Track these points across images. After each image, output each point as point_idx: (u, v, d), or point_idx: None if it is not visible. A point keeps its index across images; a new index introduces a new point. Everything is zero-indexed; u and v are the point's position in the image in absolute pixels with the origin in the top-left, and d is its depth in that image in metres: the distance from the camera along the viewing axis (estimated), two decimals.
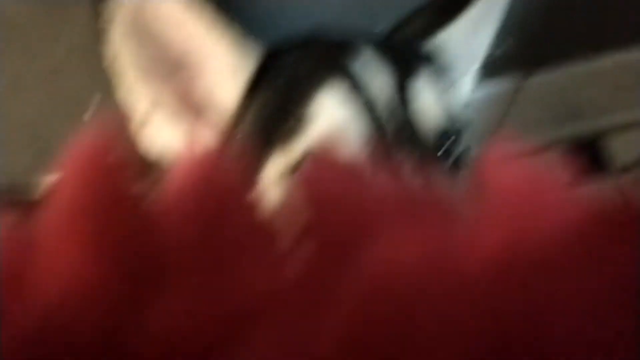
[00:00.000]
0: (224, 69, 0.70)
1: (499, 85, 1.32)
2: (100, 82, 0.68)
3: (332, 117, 0.65)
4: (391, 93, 0.68)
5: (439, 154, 0.68)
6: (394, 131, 0.66)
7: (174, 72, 0.69)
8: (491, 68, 0.88)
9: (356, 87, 0.66)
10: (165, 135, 0.71)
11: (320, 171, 0.36)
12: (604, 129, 1.63)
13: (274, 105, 0.68)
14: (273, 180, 0.67)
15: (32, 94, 0.98)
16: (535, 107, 1.45)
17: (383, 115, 0.66)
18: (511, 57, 0.98)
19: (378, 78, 0.68)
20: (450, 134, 0.70)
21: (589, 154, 1.64)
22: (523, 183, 0.33)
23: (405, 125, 0.66)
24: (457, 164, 0.71)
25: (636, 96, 1.56)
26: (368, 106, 0.66)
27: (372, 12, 0.83)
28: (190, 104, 0.71)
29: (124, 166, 0.32)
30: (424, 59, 0.72)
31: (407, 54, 0.72)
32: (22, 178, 0.92)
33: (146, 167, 0.80)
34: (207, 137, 0.71)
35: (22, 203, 0.82)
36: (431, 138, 0.68)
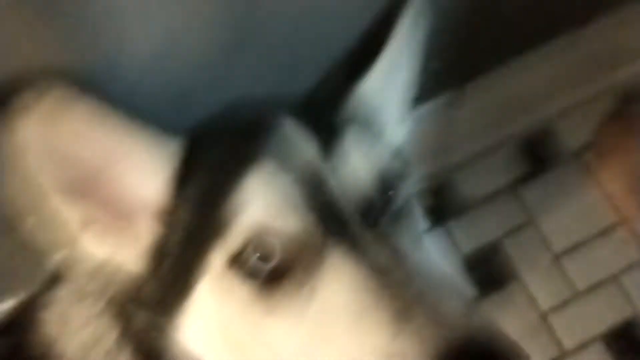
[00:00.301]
0: (147, 170, 0.67)
1: (438, 104, 1.32)
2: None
3: (264, 201, 0.63)
4: (317, 164, 0.66)
5: (377, 213, 0.67)
6: (328, 205, 0.65)
7: (96, 186, 0.67)
8: (426, 92, 0.87)
9: (281, 167, 0.64)
10: (101, 249, 0.69)
11: None
12: (550, 117, 1.64)
13: (204, 199, 0.66)
14: (221, 272, 0.65)
15: None
16: (478, 113, 1.45)
17: (314, 191, 0.65)
18: (442, 78, 0.98)
19: (301, 149, 0.66)
20: (386, 189, 0.69)
21: (539, 148, 1.65)
22: None
23: (333, 202, 0.65)
24: (400, 213, 0.70)
25: (570, 79, 1.57)
26: (298, 184, 0.64)
27: (283, 80, 0.82)
28: (119, 213, 0.69)
29: None
30: (345, 118, 0.71)
31: (328, 117, 0.70)
32: None
33: None
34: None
35: None
36: (364, 203, 0.67)
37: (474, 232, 1.56)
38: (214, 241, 0.65)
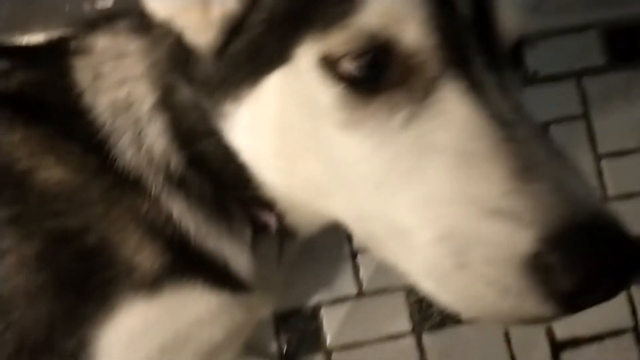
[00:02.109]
0: None
1: None
2: None
3: (387, 3, 0.55)
4: None
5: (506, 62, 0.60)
6: (467, 20, 0.57)
7: None
8: None
9: None
10: (165, 7, 0.64)
11: None
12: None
13: None
14: (306, 68, 0.58)
15: None
16: None
17: (442, 11, 0.56)
18: None
19: None
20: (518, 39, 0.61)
21: (626, 40, 1.52)
22: None
23: (481, 13, 0.58)
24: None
25: None
26: None
27: None
28: None
29: None
30: None
31: None
32: None
33: None
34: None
35: None
36: (507, 37, 0.60)
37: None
38: (308, 32, 0.57)
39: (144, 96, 0.71)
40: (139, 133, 0.72)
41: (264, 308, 0.88)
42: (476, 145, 0.54)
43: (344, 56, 0.56)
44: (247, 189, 0.72)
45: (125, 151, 0.72)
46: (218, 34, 0.63)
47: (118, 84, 0.72)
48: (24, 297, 0.68)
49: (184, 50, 0.66)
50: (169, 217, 0.72)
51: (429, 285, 0.56)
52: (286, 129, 0.62)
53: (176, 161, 0.72)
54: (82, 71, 0.74)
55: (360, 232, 0.64)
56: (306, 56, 0.58)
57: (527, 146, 0.53)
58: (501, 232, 0.50)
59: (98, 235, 0.70)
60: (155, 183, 0.72)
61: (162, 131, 0.72)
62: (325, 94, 0.58)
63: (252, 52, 0.61)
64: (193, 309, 0.74)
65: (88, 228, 0.70)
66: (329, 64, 0.57)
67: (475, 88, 0.56)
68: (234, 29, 0.62)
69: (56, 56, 0.75)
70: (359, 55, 0.56)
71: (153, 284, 0.71)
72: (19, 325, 0.68)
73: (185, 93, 0.69)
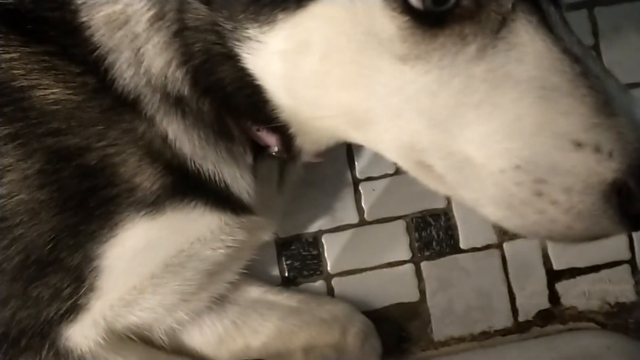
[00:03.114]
0: None
1: None
2: None
3: None
4: None
5: None
6: None
7: None
8: None
9: None
10: None
11: None
12: None
13: None
14: None
15: None
16: None
17: None
18: None
19: None
20: None
21: None
22: None
23: None
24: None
25: None
26: None
27: None
28: None
29: None
30: None
31: None
32: None
33: None
34: None
35: None
36: None
37: None
38: None
39: (141, 11, 0.70)
40: (137, 51, 0.71)
41: (264, 230, 0.89)
42: (555, 79, 0.55)
43: None
44: (260, 111, 0.71)
45: (124, 72, 0.71)
46: None
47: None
48: (27, 213, 0.69)
49: None
50: (164, 139, 0.72)
51: (497, 212, 0.60)
52: (332, 59, 0.61)
53: (174, 80, 0.71)
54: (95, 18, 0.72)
55: (408, 161, 0.65)
56: None
57: (601, 81, 0.56)
58: (583, 163, 0.54)
59: (98, 154, 0.70)
60: (152, 103, 0.71)
61: (161, 49, 0.71)
62: (387, 25, 0.57)
63: None
64: (195, 227, 0.75)
65: (88, 147, 0.70)
66: None
67: (545, 22, 0.57)
68: None
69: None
70: None
71: (154, 204, 0.72)
72: (23, 240, 0.70)
73: (197, 13, 0.67)
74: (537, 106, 0.55)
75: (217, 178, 0.75)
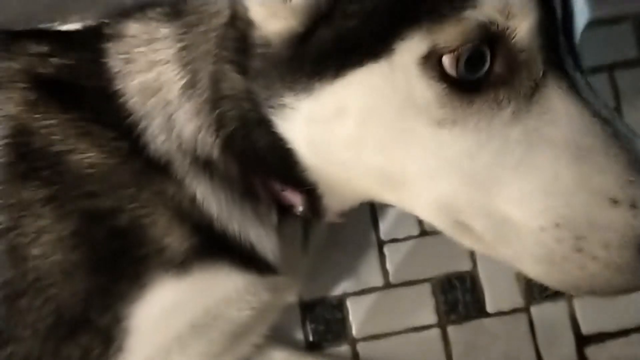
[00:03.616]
0: None
1: None
2: None
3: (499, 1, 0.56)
4: None
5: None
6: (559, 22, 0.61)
7: None
8: None
9: None
10: None
11: None
12: None
13: None
14: (405, 64, 0.59)
15: None
16: None
17: (545, 14, 0.59)
18: None
19: None
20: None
21: None
22: None
23: (557, 35, 0.61)
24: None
25: None
26: None
27: None
28: None
29: None
30: None
31: None
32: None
33: None
34: None
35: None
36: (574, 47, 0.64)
37: None
38: (413, 27, 0.58)
39: (173, 80, 0.73)
40: (169, 117, 0.73)
41: (289, 291, 0.89)
42: (589, 140, 0.58)
43: (450, 52, 0.57)
44: (288, 173, 0.73)
45: (156, 137, 0.74)
46: (298, 23, 0.63)
47: (147, 67, 0.74)
48: (61, 274, 0.71)
49: (236, 37, 0.68)
50: (193, 200, 0.73)
51: (537, 268, 0.61)
52: (369, 124, 0.63)
53: (204, 145, 0.74)
54: (114, 56, 0.76)
55: (445, 221, 0.66)
56: (408, 52, 0.58)
57: (630, 141, 0.59)
58: (621, 219, 0.56)
59: (129, 216, 0.72)
60: (182, 166, 0.73)
61: (192, 115, 0.73)
62: (424, 92, 0.59)
63: (339, 44, 0.61)
64: (221, 288, 0.76)
65: (119, 209, 0.72)
66: (432, 61, 0.58)
67: (574, 87, 0.60)
68: (319, 19, 0.62)
69: (90, 42, 0.77)
70: (467, 50, 0.57)
71: (182, 264, 0.73)
72: (56, 301, 0.71)
73: (231, 81, 0.70)
74: (573, 166, 0.58)
75: (242, 238, 0.76)
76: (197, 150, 0.74)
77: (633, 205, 0.56)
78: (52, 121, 0.73)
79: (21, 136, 0.73)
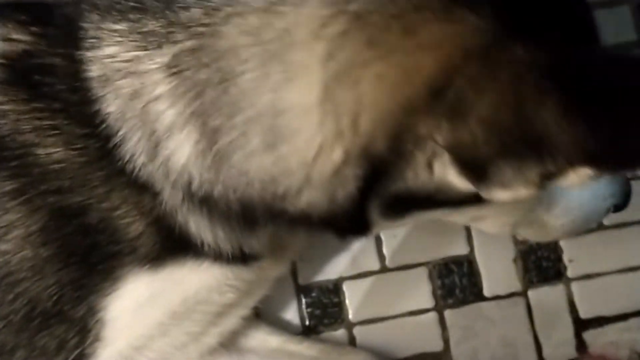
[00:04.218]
0: None
1: None
2: None
3: None
4: None
5: None
6: None
7: None
8: None
9: None
10: None
11: None
12: None
13: None
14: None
15: None
16: None
17: None
18: None
19: None
20: None
21: None
22: None
23: None
24: None
25: None
26: None
27: None
28: None
29: None
30: None
31: None
32: None
33: None
34: None
35: None
36: None
37: None
38: (536, 160, 0.59)
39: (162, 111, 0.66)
40: (154, 142, 0.67)
41: (278, 268, 0.88)
42: None
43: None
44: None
45: (135, 155, 0.68)
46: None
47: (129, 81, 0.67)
48: (31, 269, 0.70)
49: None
50: (182, 226, 0.70)
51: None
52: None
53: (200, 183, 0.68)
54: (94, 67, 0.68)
55: None
56: (531, 179, 0.62)
57: None
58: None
59: (100, 215, 0.70)
60: (171, 196, 0.69)
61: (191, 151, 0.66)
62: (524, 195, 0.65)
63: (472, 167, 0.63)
64: (199, 278, 0.75)
65: (90, 207, 0.69)
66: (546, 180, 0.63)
67: None
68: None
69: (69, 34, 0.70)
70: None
71: (157, 258, 0.71)
72: (28, 294, 0.70)
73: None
74: None
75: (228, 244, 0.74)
76: (193, 186, 0.68)
77: None
78: (21, 107, 0.69)
79: None
